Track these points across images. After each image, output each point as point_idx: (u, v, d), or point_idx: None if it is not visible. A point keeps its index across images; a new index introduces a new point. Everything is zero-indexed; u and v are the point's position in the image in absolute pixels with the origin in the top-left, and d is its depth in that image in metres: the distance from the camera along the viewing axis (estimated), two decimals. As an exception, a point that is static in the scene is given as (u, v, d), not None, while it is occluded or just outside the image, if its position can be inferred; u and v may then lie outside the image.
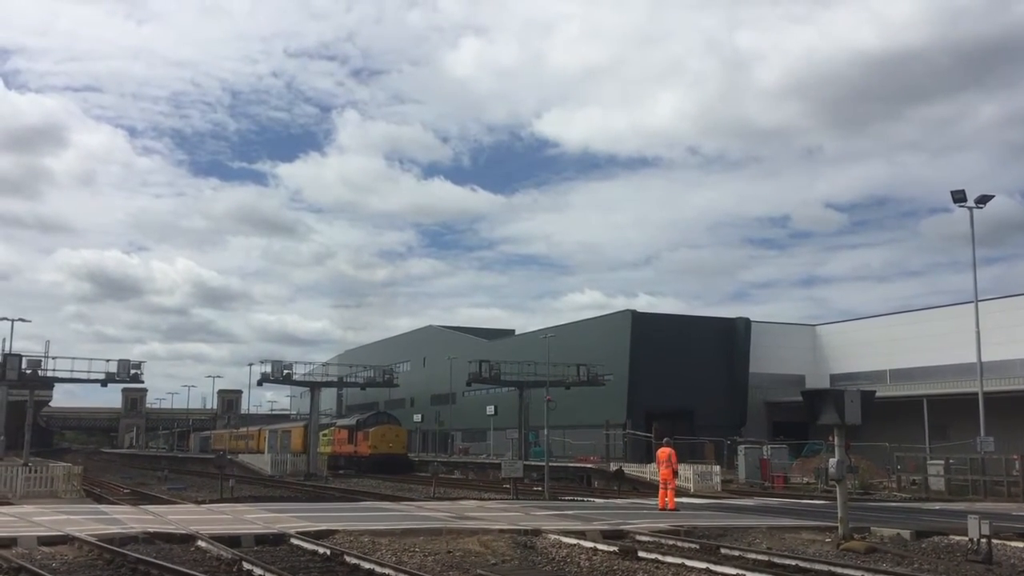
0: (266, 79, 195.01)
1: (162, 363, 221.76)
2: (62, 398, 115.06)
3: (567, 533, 16.19)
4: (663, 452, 24.45)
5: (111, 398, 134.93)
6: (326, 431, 67.55)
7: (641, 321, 67.53)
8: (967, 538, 14.75)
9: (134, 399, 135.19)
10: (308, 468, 52.06)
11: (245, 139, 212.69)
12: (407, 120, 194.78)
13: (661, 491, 23.82)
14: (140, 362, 49.12)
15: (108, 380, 47.96)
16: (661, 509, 23.02)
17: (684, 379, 64.08)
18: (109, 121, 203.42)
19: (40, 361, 47.37)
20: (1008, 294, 60.24)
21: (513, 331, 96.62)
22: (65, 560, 13.09)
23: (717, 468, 39.44)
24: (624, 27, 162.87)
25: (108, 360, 48.13)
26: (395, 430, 61.58)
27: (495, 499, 28.67)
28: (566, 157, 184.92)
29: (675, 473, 24.62)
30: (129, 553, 13.02)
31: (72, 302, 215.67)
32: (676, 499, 24.01)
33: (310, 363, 67.43)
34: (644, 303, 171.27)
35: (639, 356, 65.16)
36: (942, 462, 37.31)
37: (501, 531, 16.45)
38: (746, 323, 70.68)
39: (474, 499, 28.83)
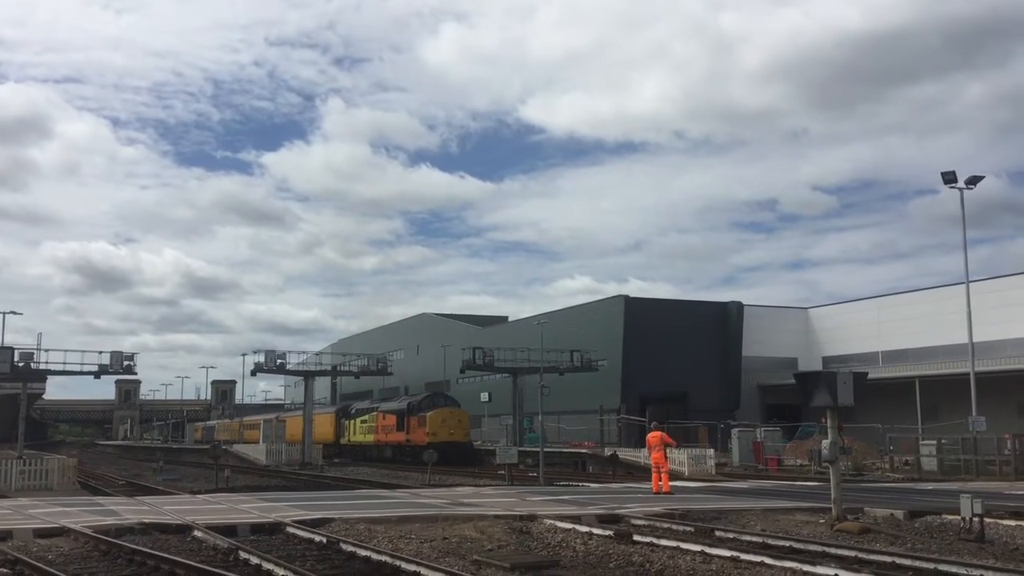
0: (248, 68, 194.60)
1: (154, 354, 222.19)
2: (55, 391, 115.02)
3: (562, 518, 16.24)
4: (654, 436, 24.60)
5: (104, 390, 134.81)
6: (365, 417, 60.33)
7: (634, 306, 67.65)
8: (960, 517, 14.85)
9: (127, 391, 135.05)
10: (303, 457, 52.09)
11: (229, 129, 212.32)
12: (392, 107, 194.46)
13: (654, 475, 23.94)
14: (133, 353, 48.79)
15: (101, 372, 47.71)
16: (656, 493, 23.12)
17: (678, 363, 64.28)
18: (92, 112, 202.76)
19: (32, 354, 47.09)
20: (996, 275, 60.60)
21: (506, 318, 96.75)
22: (61, 552, 13.09)
23: (711, 451, 39.53)
24: (606, 10, 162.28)
25: (101, 352, 47.80)
26: (457, 414, 53.57)
27: (490, 485, 28.73)
28: (552, 143, 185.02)
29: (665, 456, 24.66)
30: (125, 544, 13.03)
31: (61, 294, 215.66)
32: (671, 483, 24.15)
33: (303, 352, 66.79)
34: (635, 288, 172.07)
35: (633, 341, 65.32)
36: (934, 442, 37.53)
37: (497, 517, 16.49)
38: (739, 307, 70.84)
39: (469, 486, 28.88)
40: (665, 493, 22.92)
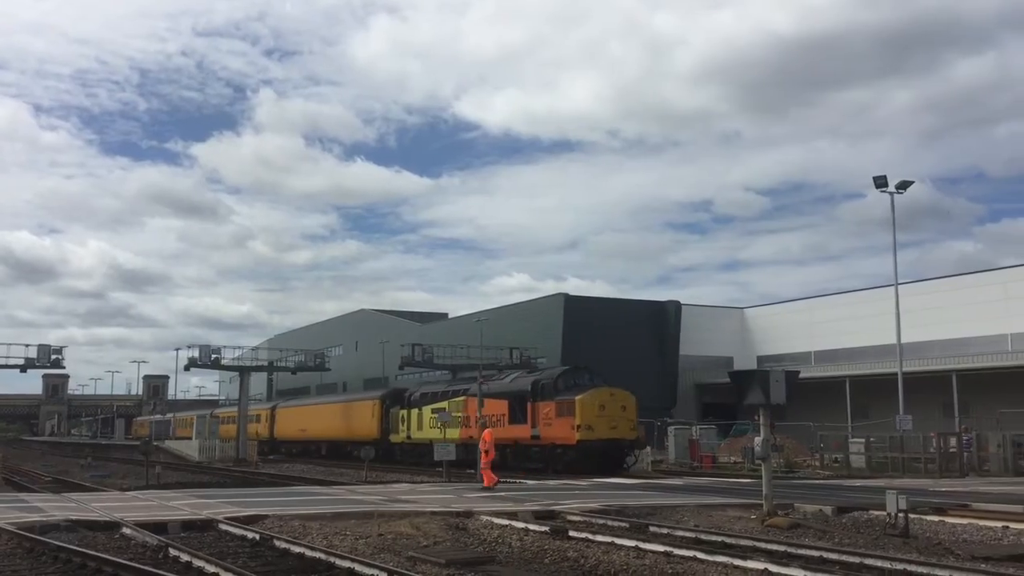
0: (175, 58, 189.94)
1: (82, 348, 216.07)
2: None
3: (499, 514, 16.27)
4: (489, 433, 25.91)
5: (31, 385, 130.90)
6: (442, 404, 41.05)
7: (573, 304, 68.04)
8: (886, 513, 15.23)
9: (55, 385, 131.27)
10: (237, 454, 51.35)
11: (156, 119, 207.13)
12: (326, 100, 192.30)
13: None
14: (61, 347, 47.82)
15: (28, 366, 46.62)
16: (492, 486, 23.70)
17: (616, 362, 64.44)
18: (12, 98, 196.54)
19: (-45, 346, 45.81)
20: (922, 278, 62.39)
21: (446, 315, 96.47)
22: (-18, 550, 12.70)
23: (648, 449, 39.95)
24: (541, 6, 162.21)
25: (27, 345, 46.78)
26: (620, 397, 35.31)
27: (428, 482, 28.65)
28: (488, 140, 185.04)
29: (486, 452, 25.11)
30: (50, 541, 12.70)
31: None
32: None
33: (239, 347, 65.57)
34: (573, 286, 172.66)
35: (572, 339, 65.64)
36: (863, 440, 38.48)
37: (433, 513, 16.46)
38: (676, 306, 71.71)
39: (407, 483, 28.76)
40: (487, 487, 23.62)
